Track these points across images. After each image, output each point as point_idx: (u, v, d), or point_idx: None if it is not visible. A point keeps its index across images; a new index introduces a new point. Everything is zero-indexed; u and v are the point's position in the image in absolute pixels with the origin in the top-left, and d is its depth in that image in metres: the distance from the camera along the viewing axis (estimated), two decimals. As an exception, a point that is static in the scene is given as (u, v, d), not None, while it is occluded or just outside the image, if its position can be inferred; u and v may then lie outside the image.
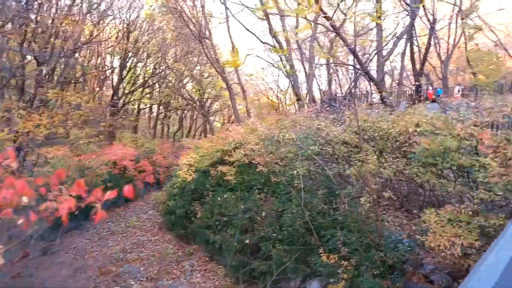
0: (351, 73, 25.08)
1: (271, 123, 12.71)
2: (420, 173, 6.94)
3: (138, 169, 22.90)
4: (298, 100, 17.91)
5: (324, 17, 12.12)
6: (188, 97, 28.55)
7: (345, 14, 13.47)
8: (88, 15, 19.27)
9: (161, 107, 38.55)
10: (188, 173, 14.80)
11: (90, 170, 16.04)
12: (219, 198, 12.40)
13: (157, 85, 33.22)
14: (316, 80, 24.99)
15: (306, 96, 26.14)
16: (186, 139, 25.40)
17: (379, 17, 14.87)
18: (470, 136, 6.42)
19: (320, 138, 9.90)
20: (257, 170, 11.20)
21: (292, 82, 16.19)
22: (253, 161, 11.45)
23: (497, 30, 28.38)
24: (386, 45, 17.15)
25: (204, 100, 27.81)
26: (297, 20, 18.74)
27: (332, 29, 11.92)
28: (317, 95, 25.94)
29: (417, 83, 14.05)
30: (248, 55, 19.72)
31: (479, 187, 5.97)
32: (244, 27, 28.32)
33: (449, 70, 24.52)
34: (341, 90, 26.07)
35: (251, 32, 22.12)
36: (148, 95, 34.47)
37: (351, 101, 18.16)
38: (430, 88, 31.94)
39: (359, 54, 14.78)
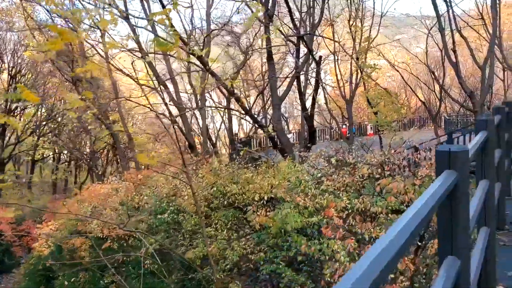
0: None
1: (136, 180, 10.45)
2: (262, 260, 5.07)
3: (20, 233, 19.45)
4: (190, 148, 15.84)
5: (196, 57, 10.38)
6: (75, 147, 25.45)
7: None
8: None
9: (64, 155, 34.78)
10: (45, 246, 11.98)
11: None
12: (66, 283, 9.73)
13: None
14: (223, 122, 23.24)
15: (216, 142, 24.26)
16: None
17: (269, 55, 13.68)
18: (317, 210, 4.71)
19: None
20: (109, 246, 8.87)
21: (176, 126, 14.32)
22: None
23: (400, 68, 29.17)
24: (281, 83, 15.99)
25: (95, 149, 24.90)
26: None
27: (203, 68, 10.21)
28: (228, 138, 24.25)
29: (309, 125, 12.68)
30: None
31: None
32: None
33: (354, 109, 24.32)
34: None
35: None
36: (46, 144, 30.75)
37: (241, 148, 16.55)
38: (344, 126, 31.84)
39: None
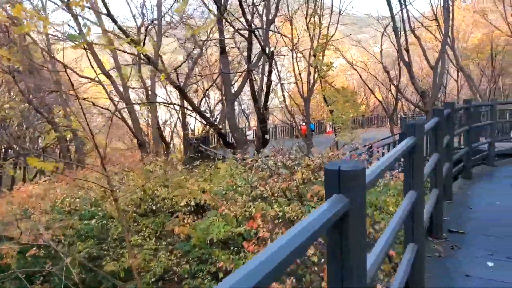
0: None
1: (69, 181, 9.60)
2: (187, 273, 4.57)
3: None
4: (139, 145, 15.05)
5: (137, 48, 9.67)
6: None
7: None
8: None
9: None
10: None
11: None
12: (-12, 293, 8.83)
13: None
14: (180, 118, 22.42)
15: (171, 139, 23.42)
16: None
17: (222, 49, 13.12)
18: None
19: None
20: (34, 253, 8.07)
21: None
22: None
23: (359, 67, 29.42)
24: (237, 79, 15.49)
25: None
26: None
27: (147, 61, 9.53)
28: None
29: (263, 124, 12.27)
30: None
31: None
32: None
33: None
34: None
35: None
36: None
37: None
38: (303, 123, 31.77)
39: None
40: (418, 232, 3.09)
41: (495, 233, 4.52)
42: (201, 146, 18.23)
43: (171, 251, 5.09)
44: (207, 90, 15.09)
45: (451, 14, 18.53)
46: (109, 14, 8.77)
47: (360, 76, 26.89)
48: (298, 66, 20.88)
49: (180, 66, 14.02)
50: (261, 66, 17.44)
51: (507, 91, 39.02)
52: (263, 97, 13.47)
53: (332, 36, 20.77)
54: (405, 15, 16.18)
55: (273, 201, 4.80)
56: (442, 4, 16.38)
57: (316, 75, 19.85)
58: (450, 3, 17.11)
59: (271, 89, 29.63)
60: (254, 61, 14.46)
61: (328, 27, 20.26)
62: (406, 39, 15.64)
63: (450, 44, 23.41)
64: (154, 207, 5.95)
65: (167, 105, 13.01)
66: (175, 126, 25.07)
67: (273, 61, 12.20)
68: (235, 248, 4.20)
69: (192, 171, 6.99)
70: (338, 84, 38.18)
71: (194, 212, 5.28)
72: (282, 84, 19.26)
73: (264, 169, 5.91)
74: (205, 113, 20.01)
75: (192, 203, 5.04)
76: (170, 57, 21.56)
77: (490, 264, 3.86)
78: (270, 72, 11.88)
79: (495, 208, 5.46)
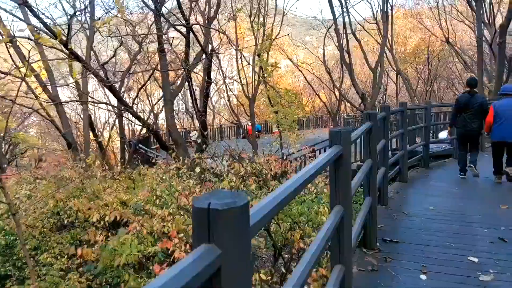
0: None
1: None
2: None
3: None
4: (69, 147, 13.90)
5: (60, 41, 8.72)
6: None
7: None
8: None
9: None
10: None
11: None
12: None
13: None
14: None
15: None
16: None
17: (160, 46, 12.40)
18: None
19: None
20: None
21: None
22: None
23: (304, 69, 29.64)
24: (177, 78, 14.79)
25: None
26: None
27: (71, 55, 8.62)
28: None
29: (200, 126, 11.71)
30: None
31: None
32: None
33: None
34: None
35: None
36: None
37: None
38: (250, 124, 31.46)
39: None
40: (345, 252, 2.75)
41: (428, 241, 4.36)
42: (140, 147, 17.26)
43: (82, 273, 4.44)
44: (140, 88, 14.19)
45: (390, 18, 19.10)
46: (32, 11, 7.87)
47: (305, 77, 27.10)
48: (243, 65, 20.52)
49: (107, 62, 13.04)
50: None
51: (441, 93, 41.30)
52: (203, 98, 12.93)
53: (276, 36, 20.60)
54: (346, 18, 16.38)
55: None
56: (381, 8, 16.73)
57: (261, 75, 19.61)
58: (390, 7, 17.56)
59: (217, 88, 29.14)
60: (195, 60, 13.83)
61: (272, 27, 20.07)
62: (347, 42, 15.82)
63: (390, 47, 24.24)
64: (66, 221, 5.24)
65: (96, 104, 12.04)
66: (113, 126, 23.65)
67: (215, 60, 11.72)
68: (149, 271, 3.67)
69: (117, 179, 6.29)
70: (284, 85, 38.38)
71: (111, 227, 4.65)
72: (226, 84, 18.78)
73: (192, 177, 5.41)
74: (141, 113, 19.12)
75: (107, 218, 4.41)
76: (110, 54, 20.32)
77: (423, 277, 3.66)
78: (209, 72, 11.35)
79: (429, 213, 5.36)
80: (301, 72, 26.98)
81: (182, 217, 4.08)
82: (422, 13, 29.90)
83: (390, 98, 39.81)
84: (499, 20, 19.05)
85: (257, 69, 20.12)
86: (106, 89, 12.88)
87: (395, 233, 4.61)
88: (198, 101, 13.04)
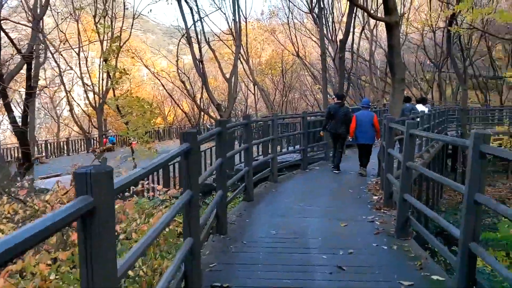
0: None
1: None
2: None
3: None
4: None
5: None
6: None
7: None
8: None
9: None
10: None
11: None
12: None
13: None
14: None
15: None
16: None
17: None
18: None
19: None
20: None
21: None
22: None
23: (162, 77, 28.28)
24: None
25: None
26: None
27: None
28: None
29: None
30: None
31: None
32: None
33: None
34: None
35: None
36: None
37: None
38: (104, 136, 28.67)
39: None
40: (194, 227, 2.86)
41: (265, 281, 3.68)
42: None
43: None
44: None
45: (244, 29, 19.29)
46: None
47: (163, 86, 25.83)
48: (88, 71, 18.31)
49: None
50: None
51: (296, 104, 44.32)
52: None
53: (127, 40, 18.96)
54: (200, 27, 15.78)
55: None
56: (233, 18, 16.60)
57: (109, 82, 17.72)
58: (243, 18, 17.62)
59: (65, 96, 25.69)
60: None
61: (121, 31, 18.37)
62: (200, 51, 15.18)
63: (246, 59, 24.67)
64: None
65: None
66: None
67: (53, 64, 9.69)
68: None
69: None
70: (144, 94, 36.32)
71: None
72: (67, 91, 16.38)
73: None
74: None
75: None
76: None
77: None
78: (29, 76, 9.33)
79: (270, 240, 4.77)
80: (159, 80, 25.59)
81: None
82: (276, 28, 31.46)
83: (251, 107, 41.10)
84: (340, 37, 20.70)
85: (105, 76, 18.17)
86: None
87: (228, 274, 3.82)
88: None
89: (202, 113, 25.60)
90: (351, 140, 9.53)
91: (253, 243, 4.68)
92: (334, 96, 11.22)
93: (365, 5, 19.37)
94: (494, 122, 22.06)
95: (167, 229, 4.07)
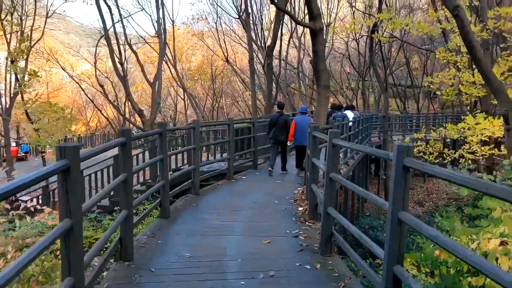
0: None
1: None
2: None
3: None
4: None
5: None
6: None
7: None
8: None
9: None
10: None
11: None
12: None
13: None
14: None
15: None
16: None
17: None
18: None
19: None
20: None
21: None
22: None
23: (82, 81, 26.36)
24: None
25: None
26: None
27: None
28: None
29: None
30: None
31: None
32: None
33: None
34: None
35: None
36: None
37: None
38: (15, 144, 26.09)
39: None
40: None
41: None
42: None
43: None
44: None
45: (172, 31, 18.51)
46: None
47: (83, 90, 24.00)
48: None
49: None
50: None
51: (228, 110, 43.96)
52: None
53: (39, 40, 17.28)
54: (117, 30, 14.73)
55: None
56: (156, 20, 15.77)
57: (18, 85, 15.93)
58: (171, 21, 16.81)
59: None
60: None
61: (32, 30, 16.67)
62: (120, 53, 14.15)
63: (173, 63, 23.75)
64: None
65: None
66: None
67: None
68: None
69: None
70: (64, 98, 33.72)
71: None
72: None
73: None
74: None
75: None
76: None
77: None
78: None
79: (183, 266, 4.20)
80: (78, 84, 23.76)
81: None
82: (205, 32, 30.85)
83: (182, 114, 39.97)
84: (269, 43, 20.65)
85: (13, 78, 16.33)
86: None
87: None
88: None
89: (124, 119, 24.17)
90: (290, 144, 10.08)
91: (163, 270, 4.08)
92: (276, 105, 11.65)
93: (292, 12, 19.55)
94: (412, 129, 23.45)
95: (47, 262, 3.34)
